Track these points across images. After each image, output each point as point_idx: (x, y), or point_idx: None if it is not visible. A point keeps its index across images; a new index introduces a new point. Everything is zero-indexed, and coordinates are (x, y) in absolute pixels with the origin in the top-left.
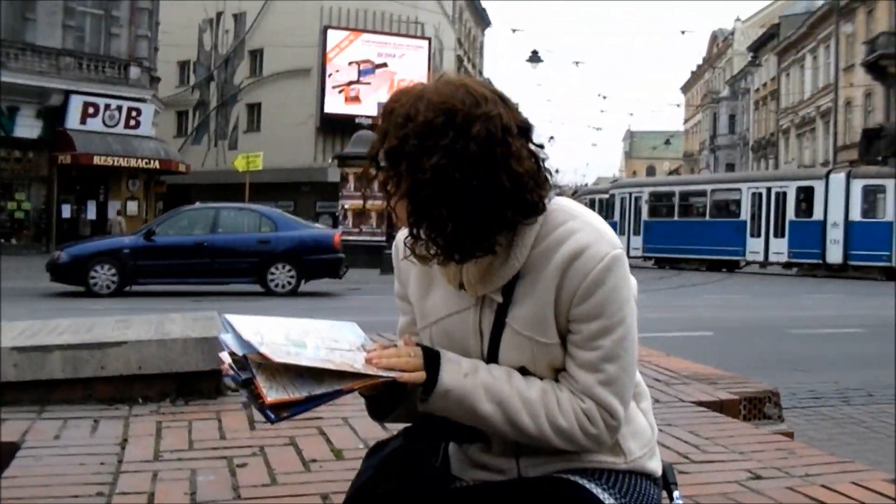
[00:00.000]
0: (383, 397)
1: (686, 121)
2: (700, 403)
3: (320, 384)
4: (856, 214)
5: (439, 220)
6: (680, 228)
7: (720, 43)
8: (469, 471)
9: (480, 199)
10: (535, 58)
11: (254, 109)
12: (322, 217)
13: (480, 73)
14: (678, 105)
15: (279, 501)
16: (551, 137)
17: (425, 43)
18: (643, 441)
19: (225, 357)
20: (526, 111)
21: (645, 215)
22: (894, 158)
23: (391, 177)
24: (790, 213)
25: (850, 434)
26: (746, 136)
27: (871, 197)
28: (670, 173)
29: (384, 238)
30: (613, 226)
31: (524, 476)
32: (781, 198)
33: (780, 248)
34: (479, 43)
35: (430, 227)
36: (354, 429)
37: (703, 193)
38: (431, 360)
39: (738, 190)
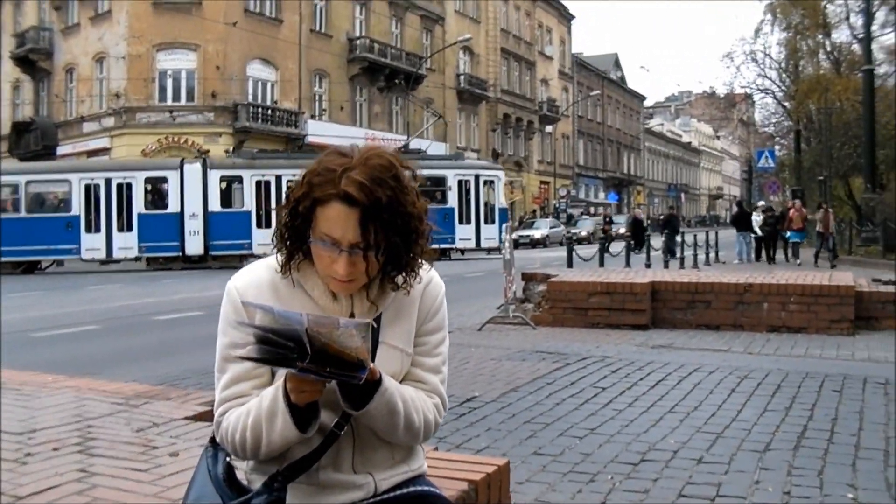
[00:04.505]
0: (310, 408)
1: None
2: (188, 418)
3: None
4: (215, 205)
5: (407, 255)
6: None
7: None
8: (324, 496)
9: (424, 234)
10: None
11: None
12: None
13: None
14: None
15: None
16: None
17: None
18: None
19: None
20: None
21: None
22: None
23: (371, 225)
24: (139, 206)
25: None
26: None
27: (228, 187)
28: None
29: None
30: None
31: (380, 489)
32: (126, 189)
33: (127, 242)
34: None
35: (405, 260)
36: None
37: None
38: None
39: (68, 182)
